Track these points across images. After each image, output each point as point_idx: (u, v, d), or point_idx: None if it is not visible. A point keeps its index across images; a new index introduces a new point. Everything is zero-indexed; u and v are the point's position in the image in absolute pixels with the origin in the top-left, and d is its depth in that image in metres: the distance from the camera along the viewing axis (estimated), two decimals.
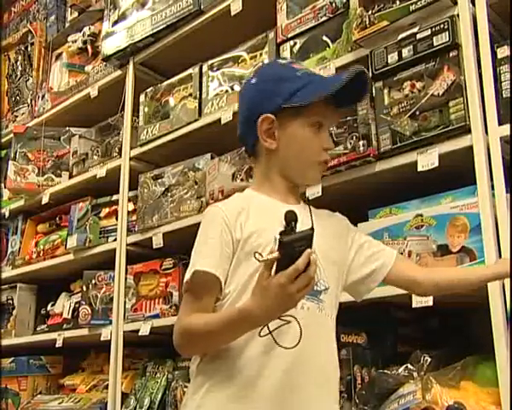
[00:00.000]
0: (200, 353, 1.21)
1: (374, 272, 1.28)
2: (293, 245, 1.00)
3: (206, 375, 1.17)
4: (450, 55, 1.49)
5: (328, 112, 1.26)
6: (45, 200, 2.73)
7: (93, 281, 2.38)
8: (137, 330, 2.12)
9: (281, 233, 1.12)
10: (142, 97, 2.38)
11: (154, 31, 2.30)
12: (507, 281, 1.30)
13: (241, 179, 1.95)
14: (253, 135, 1.26)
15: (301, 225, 1.15)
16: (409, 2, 1.55)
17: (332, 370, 1.21)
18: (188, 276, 1.17)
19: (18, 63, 3.23)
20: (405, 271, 1.27)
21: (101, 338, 2.27)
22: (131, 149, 2.39)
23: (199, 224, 1.22)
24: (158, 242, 2.14)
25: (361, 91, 1.29)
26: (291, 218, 1.13)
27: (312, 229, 1.01)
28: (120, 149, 2.45)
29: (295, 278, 0.99)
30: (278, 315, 1.05)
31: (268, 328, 1.07)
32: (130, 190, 2.36)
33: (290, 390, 1.13)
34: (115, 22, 2.48)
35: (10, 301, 2.81)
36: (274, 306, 1.03)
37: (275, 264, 1.01)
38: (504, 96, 1.42)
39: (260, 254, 1.05)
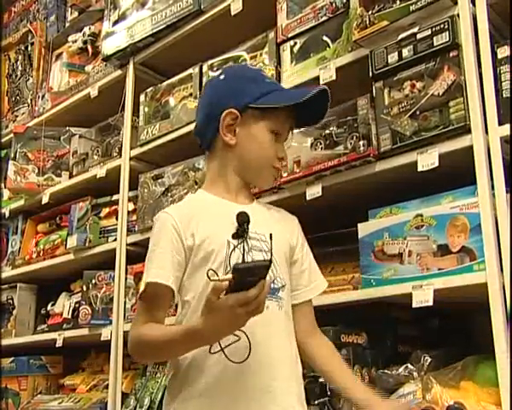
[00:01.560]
0: (150, 361, 1.27)
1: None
2: (247, 273, 1.01)
3: (173, 391, 1.22)
4: (451, 55, 1.49)
5: (286, 125, 1.31)
6: (45, 200, 2.73)
7: (93, 281, 2.38)
8: None
9: (235, 235, 1.16)
10: (142, 97, 2.38)
11: (155, 31, 2.29)
12: (507, 281, 1.30)
13: None
14: (212, 130, 1.29)
15: (253, 226, 1.19)
16: (409, 2, 1.55)
17: (294, 365, 1.23)
18: (142, 287, 1.21)
19: (18, 63, 3.23)
20: (301, 323, 1.29)
21: (102, 338, 2.27)
22: (131, 148, 2.39)
23: None
24: None
25: (319, 114, 1.33)
26: (243, 219, 1.16)
27: (270, 261, 1.02)
28: (120, 149, 2.45)
29: (244, 303, 1.01)
30: (227, 334, 1.08)
31: (220, 345, 1.10)
32: (130, 189, 2.36)
33: (245, 397, 1.15)
34: (115, 22, 2.48)
35: (10, 301, 2.81)
36: (222, 326, 1.05)
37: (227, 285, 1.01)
38: (504, 95, 1.41)
39: (215, 271, 1.08)
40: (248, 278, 1.00)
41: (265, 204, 1.41)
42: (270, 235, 1.12)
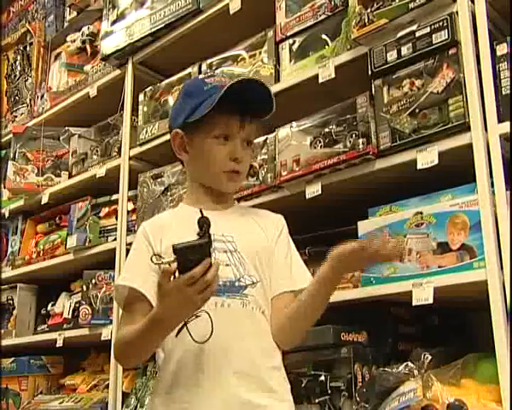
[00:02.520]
0: (134, 362, 1.33)
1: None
2: (187, 252, 1.04)
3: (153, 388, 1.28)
4: (450, 52, 1.49)
5: (232, 122, 1.30)
6: (45, 200, 2.73)
7: (93, 281, 2.37)
8: None
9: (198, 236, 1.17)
10: (141, 97, 2.38)
11: (153, 30, 2.29)
12: (507, 278, 1.30)
13: None
14: (174, 151, 1.37)
15: (220, 229, 1.23)
16: (407, 0, 1.55)
17: (261, 360, 1.22)
18: (114, 293, 1.29)
19: (17, 63, 3.23)
20: (279, 312, 1.27)
21: (102, 338, 2.27)
22: (131, 148, 2.39)
23: None
24: None
25: (268, 104, 1.32)
26: (203, 223, 1.18)
27: (209, 239, 1.07)
28: (120, 149, 2.45)
29: (193, 282, 1.04)
30: (184, 316, 1.12)
31: (182, 326, 1.14)
32: (129, 189, 2.36)
33: (209, 380, 1.18)
34: (114, 22, 2.48)
35: (10, 301, 2.81)
36: (176, 308, 1.09)
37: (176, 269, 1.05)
38: (504, 93, 1.41)
39: (159, 256, 1.11)
40: (191, 257, 1.04)
41: (246, 208, 1.49)
42: (209, 238, 1.10)
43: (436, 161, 1.47)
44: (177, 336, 1.17)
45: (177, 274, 1.05)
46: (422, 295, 1.42)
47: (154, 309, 1.12)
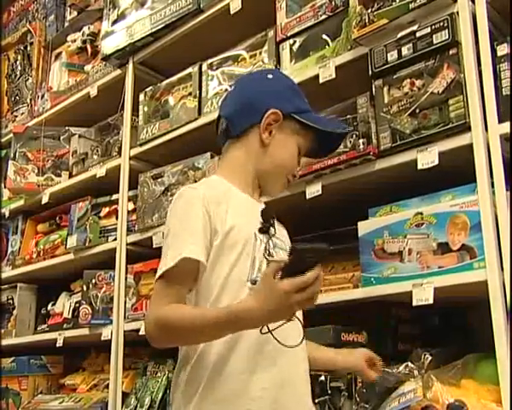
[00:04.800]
0: (171, 345, 1.19)
1: None
2: (304, 255, 0.98)
3: (194, 385, 1.14)
4: (450, 52, 1.49)
5: (312, 145, 1.35)
6: (45, 200, 2.73)
7: (93, 281, 2.37)
8: (138, 330, 2.12)
9: (261, 230, 1.18)
10: (141, 97, 2.38)
11: (154, 30, 2.29)
12: (507, 278, 1.30)
13: None
14: (248, 120, 1.29)
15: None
16: (408, 0, 1.55)
17: (307, 367, 1.24)
18: (171, 263, 1.13)
19: (17, 63, 3.23)
20: None
21: (102, 338, 2.27)
22: (131, 148, 2.39)
23: None
24: (158, 241, 2.14)
25: (327, 149, 1.42)
26: (269, 215, 1.17)
27: (328, 245, 0.99)
28: (120, 149, 2.45)
29: (301, 289, 0.99)
30: (274, 320, 1.05)
31: (267, 327, 1.05)
32: (129, 189, 2.36)
33: (281, 387, 1.14)
34: (114, 21, 2.48)
35: (10, 301, 2.81)
36: (273, 310, 1.01)
37: (280, 269, 1.00)
38: (504, 93, 1.41)
39: (269, 253, 1.09)
40: (306, 259, 0.98)
41: None
42: (329, 245, 1.04)
43: (436, 162, 1.47)
44: (262, 332, 1.07)
45: (278, 276, 0.99)
46: (422, 296, 1.42)
47: (247, 302, 1.04)
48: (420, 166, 1.49)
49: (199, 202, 1.18)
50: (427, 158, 1.48)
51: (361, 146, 1.60)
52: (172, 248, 1.15)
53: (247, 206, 1.24)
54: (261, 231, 1.21)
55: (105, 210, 2.49)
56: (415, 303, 1.43)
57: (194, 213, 1.17)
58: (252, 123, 1.29)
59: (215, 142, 2.04)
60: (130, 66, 2.46)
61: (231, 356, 1.13)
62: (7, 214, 2.95)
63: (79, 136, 2.73)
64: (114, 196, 2.46)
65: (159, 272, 1.16)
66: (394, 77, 1.59)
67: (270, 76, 1.37)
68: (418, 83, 1.54)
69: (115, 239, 2.36)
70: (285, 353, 1.12)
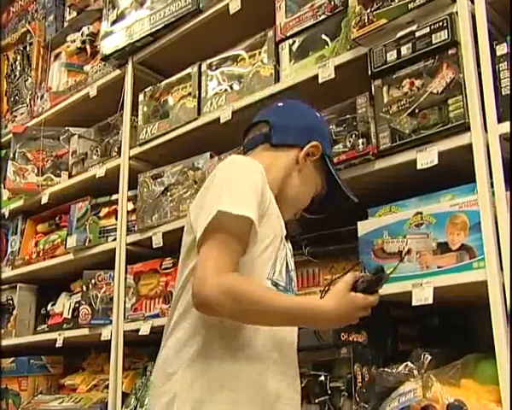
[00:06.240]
0: (243, 321, 1.12)
1: None
2: (380, 281, 1.14)
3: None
4: (449, 52, 1.49)
5: (316, 194, 1.45)
6: (45, 200, 2.73)
7: (93, 281, 2.37)
8: (138, 330, 2.12)
9: (286, 237, 1.27)
10: (141, 97, 2.38)
11: (153, 30, 2.29)
12: (507, 278, 1.30)
13: None
14: (294, 139, 1.38)
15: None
16: (407, 0, 1.55)
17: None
18: (233, 210, 1.08)
19: (17, 63, 3.23)
20: None
21: (102, 338, 2.27)
22: (131, 148, 2.39)
23: None
24: (157, 241, 2.14)
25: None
26: (295, 230, 1.34)
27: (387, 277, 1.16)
28: (120, 149, 2.45)
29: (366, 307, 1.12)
30: (336, 326, 1.22)
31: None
32: (129, 189, 2.36)
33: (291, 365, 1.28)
34: (114, 22, 2.48)
35: (10, 301, 2.81)
36: (342, 317, 1.11)
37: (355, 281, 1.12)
38: (503, 93, 1.41)
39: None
40: (378, 284, 1.13)
41: None
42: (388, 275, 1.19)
43: (436, 161, 1.47)
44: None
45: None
46: (422, 296, 1.42)
47: (324, 303, 1.09)
48: (419, 166, 1.49)
49: (258, 173, 1.20)
50: (427, 158, 1.48)
51: (360, 146, 1.60)
52: (228, 203, 1.10)
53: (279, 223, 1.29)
54: (286, 238, 1.28)
55: (105, 210, 2.49)
56: (414, 303, 1.43)
57: (254, 179, 1.18)
58: (294, 143, 1.37)
59: (214, 142, 2.05)
60: (130, 66, 2.46)
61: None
62: (6, 214, 2.95)
63: (79, 136, 2.73)
64: (114, 197, 2.45)
65: (209, 226, 1.08)
66: (393, 77, 1.59)
67: (318, 115, 1.51)
68: (417, 83, 1.54)
69: (115, 239, 2.36)
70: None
